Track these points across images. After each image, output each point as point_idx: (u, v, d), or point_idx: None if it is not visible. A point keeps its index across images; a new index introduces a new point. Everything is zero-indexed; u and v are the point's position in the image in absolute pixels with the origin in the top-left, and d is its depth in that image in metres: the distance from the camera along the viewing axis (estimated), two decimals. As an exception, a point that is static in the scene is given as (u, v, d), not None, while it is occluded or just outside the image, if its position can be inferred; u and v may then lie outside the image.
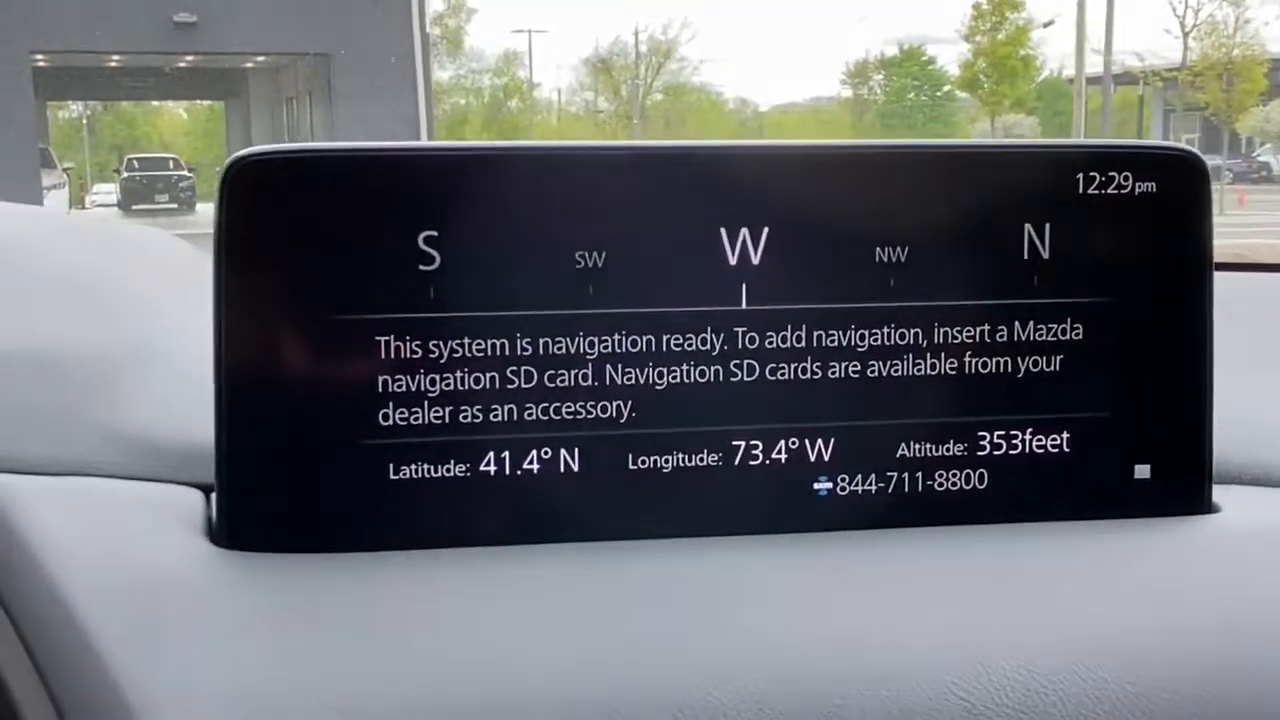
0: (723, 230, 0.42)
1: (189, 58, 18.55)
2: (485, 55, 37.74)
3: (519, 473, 0.41)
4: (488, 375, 0.41)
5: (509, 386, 0.41)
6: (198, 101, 33.30)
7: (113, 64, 20.10)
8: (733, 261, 0.42)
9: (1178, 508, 0.44)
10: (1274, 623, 0.41)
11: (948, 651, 0.38)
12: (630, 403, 0.42)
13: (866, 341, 0.42)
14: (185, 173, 24.40)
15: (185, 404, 0.43)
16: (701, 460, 0.42)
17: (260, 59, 19.52)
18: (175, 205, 23.56)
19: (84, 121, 36.56)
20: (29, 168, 14.83)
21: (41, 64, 17.23)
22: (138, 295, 0.55)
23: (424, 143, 0.45)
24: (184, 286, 0.58)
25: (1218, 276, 0.46)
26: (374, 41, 16.29)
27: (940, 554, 0.42)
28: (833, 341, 0.42)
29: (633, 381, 0.42)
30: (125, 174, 24.68)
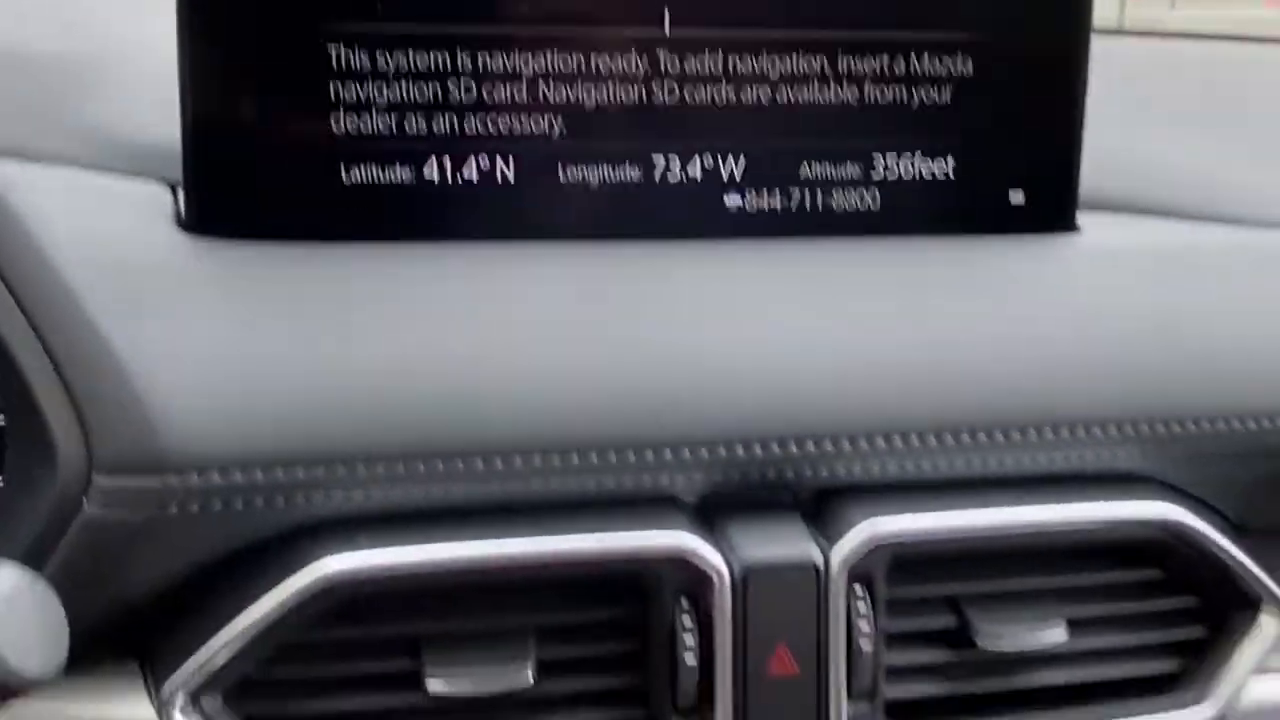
0: None
1: None
2: None
3: (459, 179, 0.46)
4: (430, 87, 0.45)
5: (450, 99, 0.45)
6: None
7: None
8: None
9: (1047, 227, 0.50)
10: (1117, 321, 0.47)
11: (819, 347, 0.44)
12: (561, 118, 0.46)
13: (777, 68, 0.46)
14: None
15: (152, 105, 0.47)
16: (624, 174, 0.47)
17: None
18: None
19: None
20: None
21: None
22: (104, 6, 0.57)
23: None
24: None
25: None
26: None
27: (829, 262, 0.47)
28: (746, 68, 0.46)
29: (564, 99, 0.46)
30: None
